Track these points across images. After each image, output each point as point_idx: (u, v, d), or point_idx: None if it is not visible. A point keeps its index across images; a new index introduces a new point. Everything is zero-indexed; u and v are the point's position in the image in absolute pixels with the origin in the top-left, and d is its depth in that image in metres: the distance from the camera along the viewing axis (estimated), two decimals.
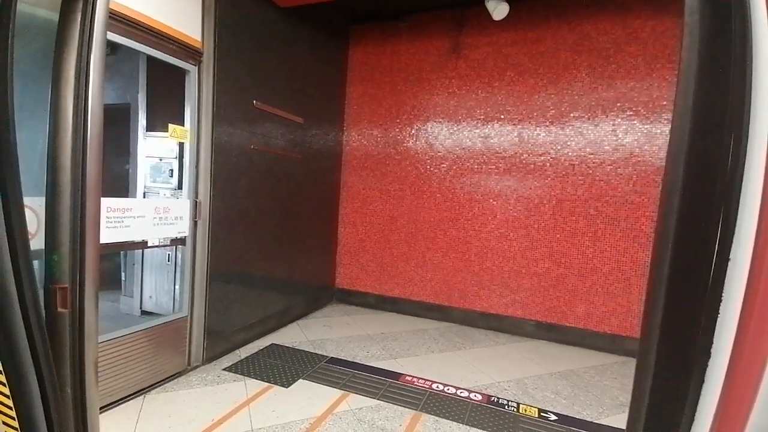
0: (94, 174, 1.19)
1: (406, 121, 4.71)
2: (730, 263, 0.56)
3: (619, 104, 3.84)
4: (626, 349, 3.84)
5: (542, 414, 2.71)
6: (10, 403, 0.94)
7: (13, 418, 0.95)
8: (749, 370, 0.51)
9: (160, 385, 2.75)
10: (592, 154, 3.95)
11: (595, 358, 3.78)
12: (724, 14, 0.59)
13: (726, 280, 0.57)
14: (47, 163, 1.15)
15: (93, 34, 1.16)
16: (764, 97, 0.53)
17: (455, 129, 4.49)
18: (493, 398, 2.88)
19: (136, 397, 2.59)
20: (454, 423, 2.52)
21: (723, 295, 0.57)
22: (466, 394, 2.92)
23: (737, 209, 0.56)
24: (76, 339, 1.19)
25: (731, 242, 0.57)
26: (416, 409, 2.65)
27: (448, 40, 4.48)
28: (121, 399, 2.50)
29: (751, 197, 0.54)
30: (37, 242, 1.13)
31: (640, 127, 3.77)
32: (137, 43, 2.49)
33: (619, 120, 3.84)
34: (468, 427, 2.49)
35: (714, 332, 0.58)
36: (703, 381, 0.58)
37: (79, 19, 1.13)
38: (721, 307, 0.57)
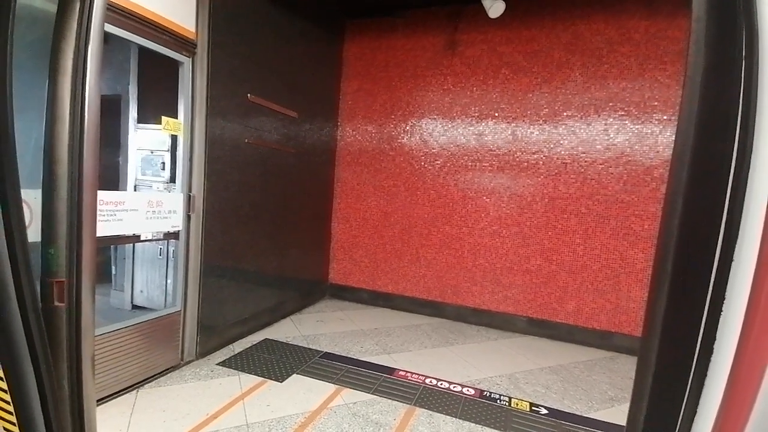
0: (91, 166, 1.18)
1: (400, 117, 4.70)
2: (733, 264, 0.58)
3: (611, 104, 3.88)
4: (614, 344, 3.91)
5: (533, 408, 2.75)
6: (8, 398, 0.93)
7: (11, 413, 0.94)
8: (752, 368, 0.53)
9: (153, 380, 2.73)
10: (584, 153, 4.00)
11: (584, 353, 3.84)
12: (731, 19, 0.61)
13: (729, 280, 0.59)
14: (44, 156, 1.13)
15: (91, 24, 1.14)
16: None
17: (450, 126, 4.50)
18: (485, 392, 2.92)
19: (129, 391, 2.56)
20: (448, 417, 2.55)
21: (726, 294, 0.59)
22: (458, 388, 2.95)
23: (741, 210, 0.58)
24: (72, 333, 1.18)
25: (735, 243, 0.58)
26: (410, 404, 2.68)
27: (443, 37, 4.47)
28: (114, 393, 2.48)
29: (756, 199, 0.56)
30: (30, 235, 1.11)
31: (632, 127, 3.83)
32: (130, 34, 2.44)
33: (611, 120, 3.89)
34: (461, 421, 2.52)
35: (717, 330, 0.60)
36: (705, 378, 0.60)
37: (77, 9, 1.11)
38: (724, 306, 0.59)
